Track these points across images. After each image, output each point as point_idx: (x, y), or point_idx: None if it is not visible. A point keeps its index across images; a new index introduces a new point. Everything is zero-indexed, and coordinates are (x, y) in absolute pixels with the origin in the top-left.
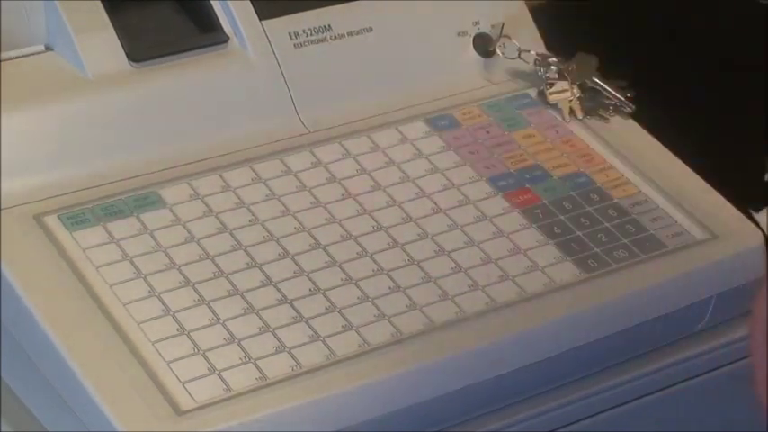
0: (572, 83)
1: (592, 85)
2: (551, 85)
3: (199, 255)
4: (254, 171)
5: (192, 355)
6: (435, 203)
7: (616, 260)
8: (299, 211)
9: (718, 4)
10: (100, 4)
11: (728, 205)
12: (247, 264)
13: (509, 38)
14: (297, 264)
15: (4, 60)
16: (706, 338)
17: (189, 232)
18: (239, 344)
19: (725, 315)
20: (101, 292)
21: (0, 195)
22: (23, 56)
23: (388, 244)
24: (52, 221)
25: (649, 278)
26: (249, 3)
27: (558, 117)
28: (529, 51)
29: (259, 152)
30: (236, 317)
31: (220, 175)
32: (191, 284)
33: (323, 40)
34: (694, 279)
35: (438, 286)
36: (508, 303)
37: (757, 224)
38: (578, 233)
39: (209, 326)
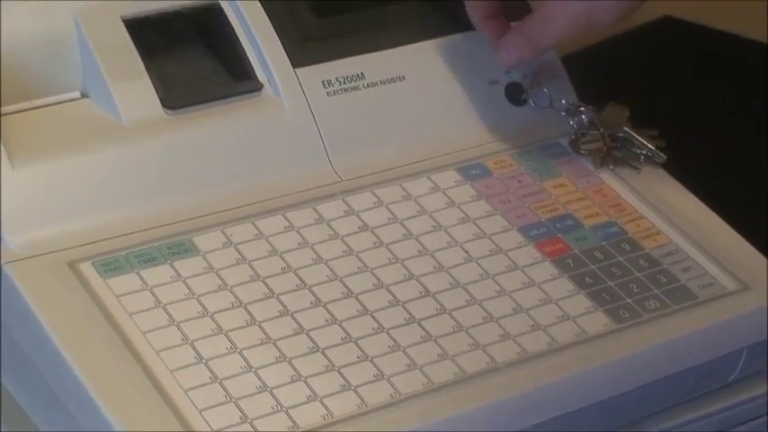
0: (603, 132)
1: (623, 134)
2: (583, 134)
3: (231, 302)
4: (286, 219)
5: (225, 403)
6: (467, 252)
7: (647, 310)
8: (331, 260)
9: (749, 54)
10: (136, 52)
11: (760, 256)
12: (280, 312)
13: (541, 87)
14: (329, 312)
15: (40, 107)
16: (738, 390)
17: (222, 280)
18: (271, 392)
19: (757, 366)
20: (134, 338)
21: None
22: (59, 102)
23: (420, 293)
24: (86, 268)
25: (681, 329)
26: (283, 51)
27: (590, 166)
28: (560, 100)
29: (292, 200)
30: (268, 365)
31: (253, 223)
32: (223, 332)
33: (356, 89)
34: (726, 330)
35: (469, 336)
36: (539, 353)
37: None
38: (609, 283)
39: (241, 374)
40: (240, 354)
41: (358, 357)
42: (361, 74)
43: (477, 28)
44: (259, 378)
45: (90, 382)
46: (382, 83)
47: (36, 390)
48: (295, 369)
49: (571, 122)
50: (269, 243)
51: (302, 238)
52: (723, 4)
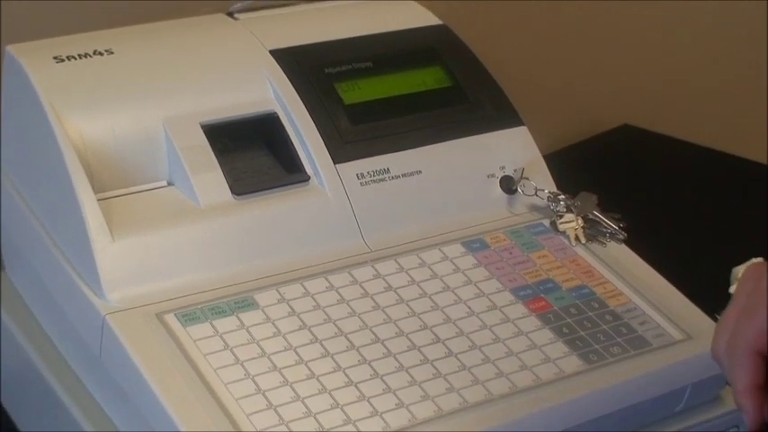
0: (577, 215)
1: (592, 216)
2: (560, 216)
3: (284, 346)
4: (328, 281)
5: (278, 425)
6: (470, 308)
7: (612, 355)
8: (362, 313)
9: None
10: (211, 151)
11: (700, 312)
12: (322, 354)
13: (528, 179)
14: (361, 354)
15: (135, 192)
16: (683, 418)
17: (277, 329)
18: (315, 417)
19: (698, 400)
20: (207, 374)
21: None
22: (150, 189)
23: (432, 339)
24: (170, 319)
25: (638, 369)
26: (326, 150)
27: (566, 242)
28: (543, 190)
29: (332, 266)
30: (312, 395)
31: (302, 284)
32: (277, 370)
33: (383, 180)
34: (673, 371)
35: (471, 374)
36: (526, 388)
37: None
38: (582, 333)
39: (291, 402)
40: (291, 387)
41: (383, 390)
42: (387, 168)
43: (738, 396)
44: (305, 406)
45: (173, 411)
46: (404, 176)
47: (130, 416)
48: (334, 399)
49: (551, 207)
50: (314, 299)
51: (340, 296)
52: (679, 113)
